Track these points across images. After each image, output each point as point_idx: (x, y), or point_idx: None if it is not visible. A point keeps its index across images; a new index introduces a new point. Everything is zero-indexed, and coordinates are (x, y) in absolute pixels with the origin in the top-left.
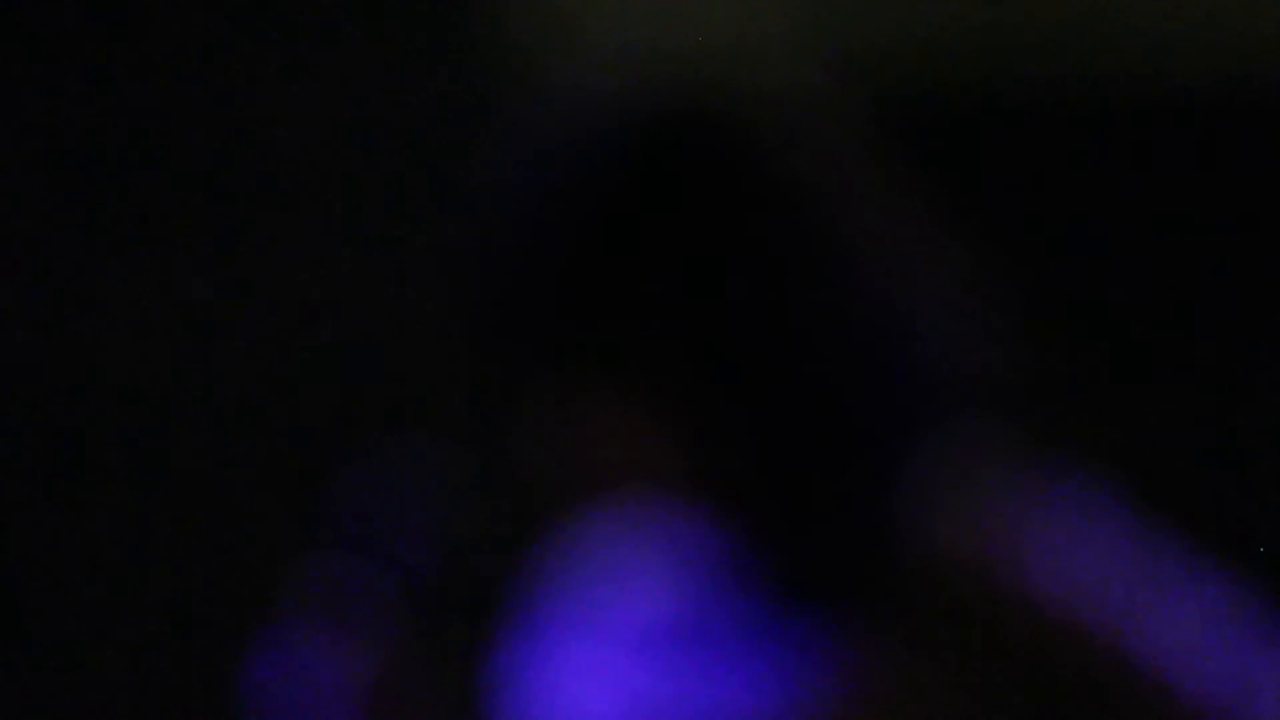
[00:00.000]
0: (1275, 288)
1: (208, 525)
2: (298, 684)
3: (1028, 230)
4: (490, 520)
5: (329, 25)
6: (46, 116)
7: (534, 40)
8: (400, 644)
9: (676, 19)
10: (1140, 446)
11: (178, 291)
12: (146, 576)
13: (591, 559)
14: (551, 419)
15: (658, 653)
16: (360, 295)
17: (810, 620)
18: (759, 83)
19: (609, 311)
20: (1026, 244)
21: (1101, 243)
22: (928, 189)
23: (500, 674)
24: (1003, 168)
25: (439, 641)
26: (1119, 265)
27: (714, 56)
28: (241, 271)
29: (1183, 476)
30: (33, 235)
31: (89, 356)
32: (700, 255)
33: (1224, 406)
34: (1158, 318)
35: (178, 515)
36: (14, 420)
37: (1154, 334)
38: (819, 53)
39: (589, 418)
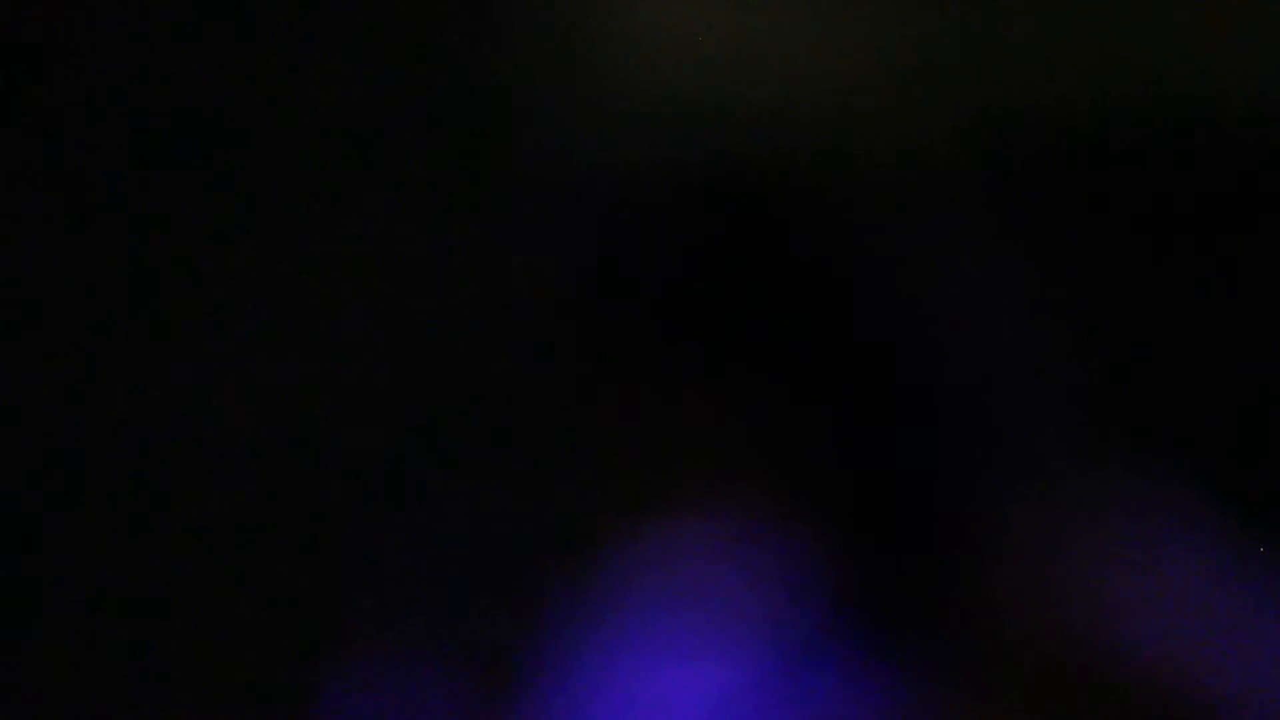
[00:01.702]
0: None
1: (263, 552)
2: (365, 699)
3: (1106, 247)
4: (559, 537)
5: (365, 31)
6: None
7: (587, 39)
8: (462, 661)
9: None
10: (1223, 468)
11: (220, 316)
12: (196, 611)
13: (662, 573)
14: (624, 431)
15: (724, 667)
16: (417, 316)
17: (881, 642)
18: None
19: (686, 322)
20: (1104, 262)
21: (1184, 260)
22: (994, 205)
23: (564, 688)
24: (1069, 186)
25: (502, 658)
26: (1202, 281)
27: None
28: (287, 301)
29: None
30: (81, 262)
31: (129, 384)
32: (776, 266)
33: None
34: (1240, 332)
35: (230, 546)
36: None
37: (1237, 348)
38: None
39: (662, 429)
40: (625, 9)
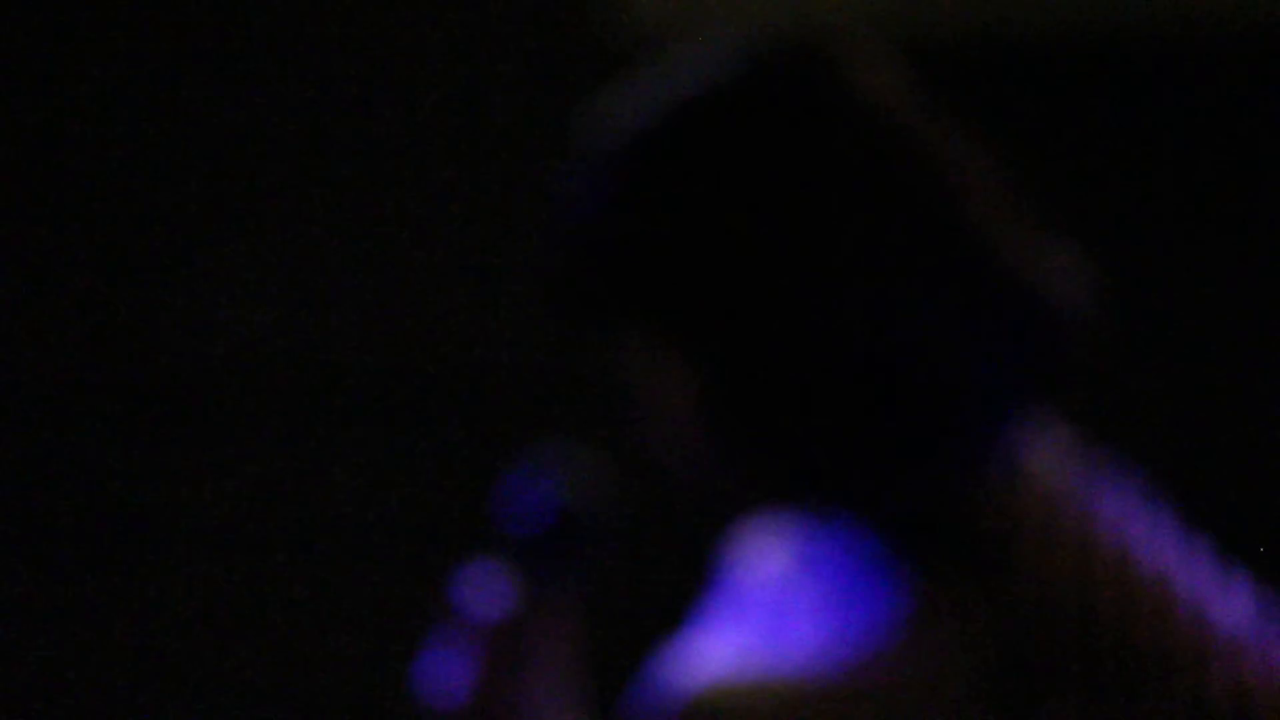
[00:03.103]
0: None
1: (359, 540)
2: (455, 682)
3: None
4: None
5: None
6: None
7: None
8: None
9: None
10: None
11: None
12: (293, 581)
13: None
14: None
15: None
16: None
17: (883, 580)
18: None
19: (681, 283)
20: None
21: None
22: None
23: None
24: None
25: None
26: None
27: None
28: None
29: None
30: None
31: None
32: (779, 216)
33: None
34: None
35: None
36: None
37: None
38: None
39: (656, 395)
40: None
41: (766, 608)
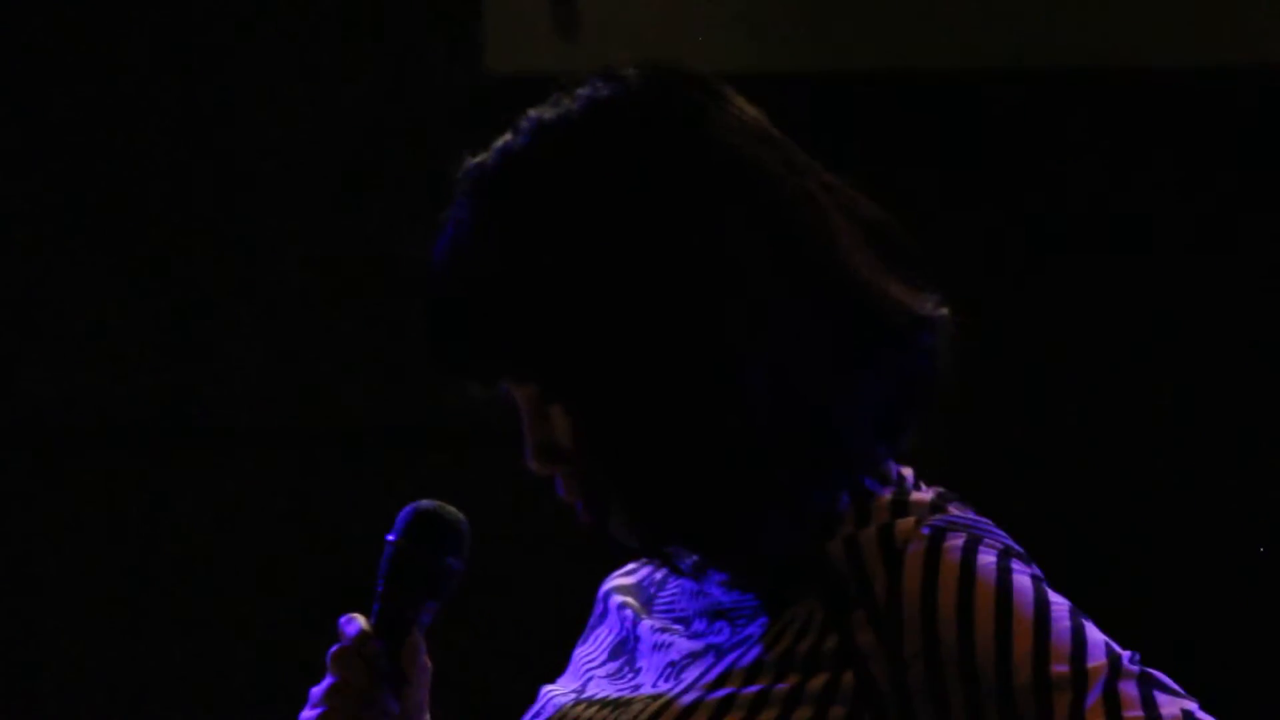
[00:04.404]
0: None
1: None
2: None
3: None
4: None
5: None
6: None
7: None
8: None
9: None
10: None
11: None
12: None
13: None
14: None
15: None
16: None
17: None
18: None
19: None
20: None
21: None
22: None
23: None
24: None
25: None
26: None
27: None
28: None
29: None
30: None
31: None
32: (647, 254)
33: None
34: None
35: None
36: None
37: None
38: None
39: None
40: None
41: (642, 653)
